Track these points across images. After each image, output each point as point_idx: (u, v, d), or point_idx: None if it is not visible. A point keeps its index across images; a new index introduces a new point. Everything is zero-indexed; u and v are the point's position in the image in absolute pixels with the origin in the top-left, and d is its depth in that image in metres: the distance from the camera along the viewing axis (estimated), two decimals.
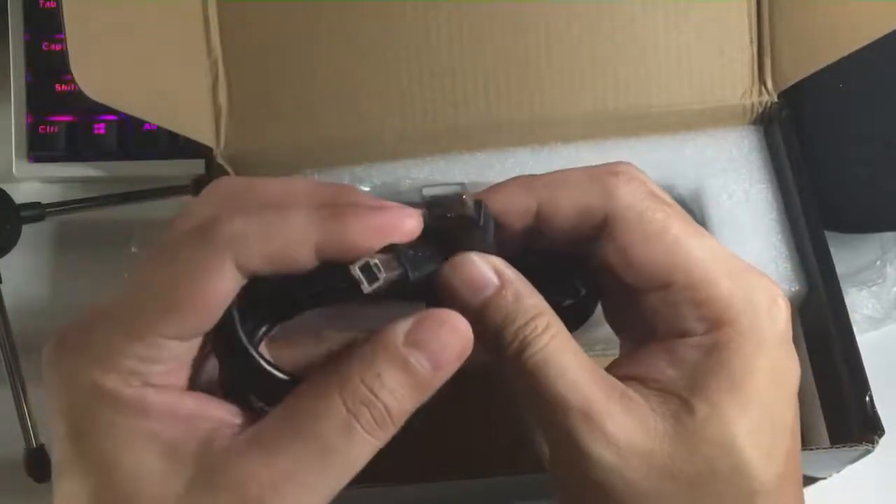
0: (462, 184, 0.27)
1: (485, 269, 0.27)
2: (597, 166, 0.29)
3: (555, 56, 0.45)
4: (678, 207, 0.29)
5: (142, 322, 0.25)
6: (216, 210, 0.26)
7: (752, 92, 0.45)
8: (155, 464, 0.24)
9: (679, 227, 0.28)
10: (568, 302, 0.30)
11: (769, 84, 0.45)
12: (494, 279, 0.27)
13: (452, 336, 0.26)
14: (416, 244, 0.27)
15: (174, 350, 0.25)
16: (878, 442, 0.37)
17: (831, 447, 0.38)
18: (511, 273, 0.28)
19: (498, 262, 0.28)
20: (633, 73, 0.45)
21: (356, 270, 0.25)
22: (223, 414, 0.26)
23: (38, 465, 0.46)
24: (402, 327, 0.25)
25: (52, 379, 0.25)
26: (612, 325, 0.32)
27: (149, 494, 0.24)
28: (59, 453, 0.25)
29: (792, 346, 0.29)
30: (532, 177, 0.30)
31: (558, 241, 0.30)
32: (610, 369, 0.28)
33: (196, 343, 0.26)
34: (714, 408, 0.26)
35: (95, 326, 0.25)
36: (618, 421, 0.26)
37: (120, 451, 0.24)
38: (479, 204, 0.28)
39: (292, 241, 0.25)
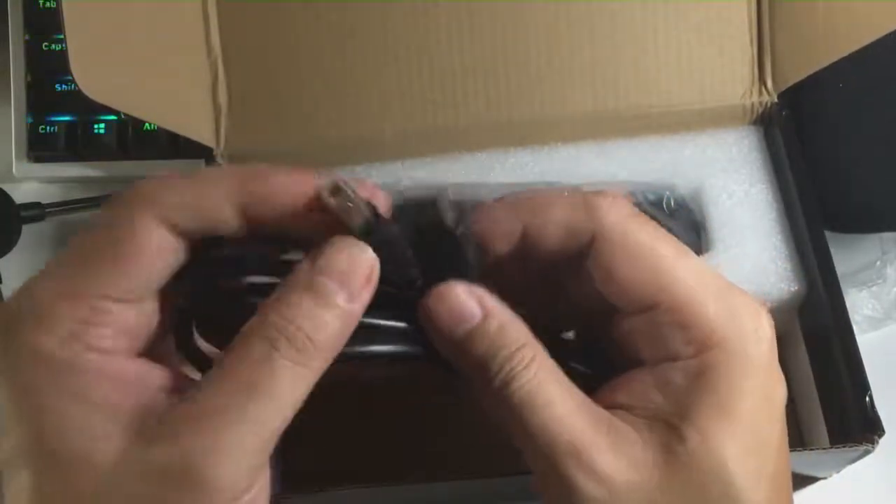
0: (445, 189, 0.27)
1: (467, 299, 0.27)
2: (581, 190, 0.30)
3: (555, 56, 0.45)
4: (663, 229, 0.29)
5: (78, 282, 0.25)
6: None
7: (752, 92, 0.45)
8: (92, 426, 0.24)
9: (665, 247, 0.28)
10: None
11: (769, 84, 0.45)
12: (477, 310, 0.27)
13: (355, 259, 0.26)
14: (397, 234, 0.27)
15: (117, 314, 0.25)
16: (878, 442, 0.37)
17: (831, 447, 0.38)
18: (494, 304, 0.27)
19: (481, 292, 0.28)
20: (633, 73, 0.45)
21: (324, 190, 0.25)
22: (165, 381, 0.26)
23: None
24: (308, 258, 0.26)
25: None
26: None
27: (85, 457, 0.24)
28: (3, 416, 0.25)
29: (778, 365, 0.28)
30: (515, 197, 0.30)
31: (544, 262, 0.29)
32: (596, 398, 0.28)
33: (144, 309, 0.26)
34: (704, 434, 0.26)
35: (35, 289, 0.25)
36: (606, 455, 0.26)
37: (58, 413, 0.24)
38: (461, 216, 0.28)
39: (207, 187, 0.26)
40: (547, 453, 0.26)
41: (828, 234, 0.42)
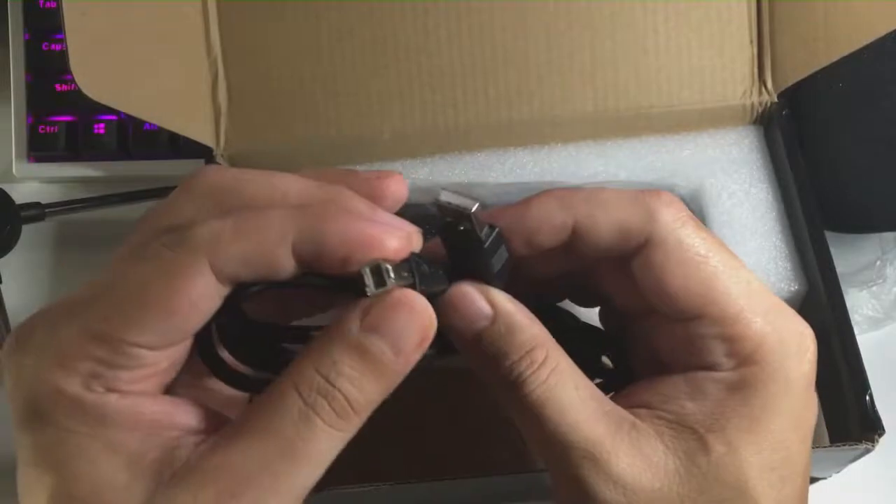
0: (478, 201, 0.26)
1: (478, 299, 0.27)
2: (636, 189, 0.28)
3: (555, 56, 0.45)
4: (715, 236, 0.28)
5: (108, 325, 0.23)
6: (194, 208, 0.25)
7: (752, 92, 0.45)
8: (114, 474, 0.23)
9: (719, 258, 0.27)
10: (596, 381, 0.29)
11: (769, 84, 0.45)
12: (488, 310, 0.27)
13: (411, 317, 0.24)
14: (431, 257, 0.26)
15: (144, 358, 0.24)
16: (878, 441, 0.37)
17: (831, 447, 0.38)
18: (506, 304, 0.27)
19: (495, 293, 0.27)
20: (633, 73, 0.45)
21: (365, 271, 0.24)
22: (190, 421, 0.25)
23: None
24: (357, 312, 0.24)
25: (12, 376, 0.24)
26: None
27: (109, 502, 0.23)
28: (21, 456, 0.24)
29: (814, 388, 0.28)
30: (568, 191, 0.28)
31: (589, 260, 0.29)
32: (621, 398, 0.28)
33: (176, 350, 0.25)
34: (730, 447, 0.26)
35: (60, 324, 0.24)
36: (624, 459, 0.26)
37: (78, 459, 0.23)
38: (491, 228, 0.27)
39: (268, 240, 0.24)
40: (562, 456, 0.26)
41: (828, 234, 0.42)
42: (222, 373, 0.26)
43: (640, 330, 0.30)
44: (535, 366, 0.26)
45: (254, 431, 0.23)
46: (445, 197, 0.25)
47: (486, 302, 0.27)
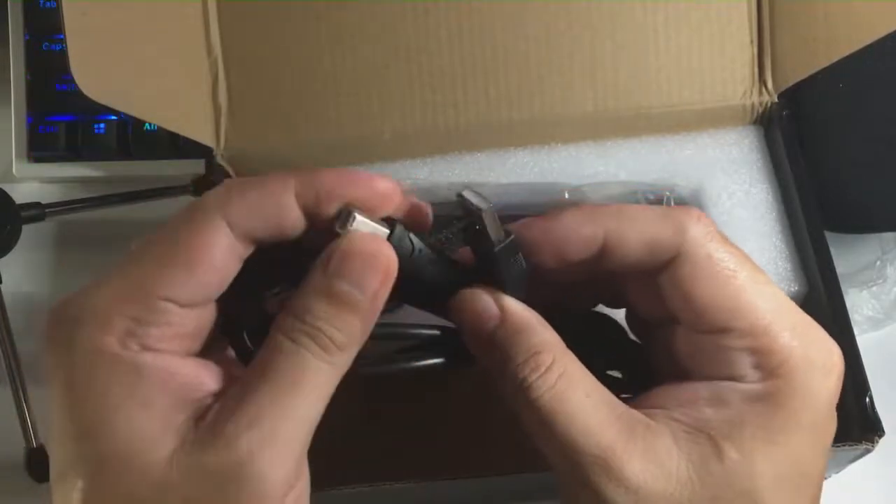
0: (492, 204, 0.27)
1: (486, 300, 0.28)
2: (665, 207, 0.29)
3: (555, 56, 0.45)
4: (743, 252, 0.29)
5: (139, 283, 0.25)
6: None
7: (752, 92, 0.45)
8: (148, 429, 0.25)
9: (747, 273, 0.28)
10: (613, 384, 0.29)
11: (769, 84, 0.45)
12: (495, 311, 0.27)
13: (368, 259, 0.26)
14: (429, 235, 0.28)
15: (174, 315, 0.26)
16: (877, 442, 0.37)
17: (831, 447, 0.38)
18: (514, 306, 0.28)
19: (504, 296, 0.28)
20: (633, 73, 0.45)
21: (341, 211, 0.26)
22: (215, 381, 0.26)
23: (38, 464, 0.46)
24: (320, 261, 0.26)
25: (51, 342, 0.26)
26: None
27: (141, 458, 0.25)
28: (56, 417, 0.26)
29: (835, 405, 0.28)
30: (596, 207, 0.29)
31: (617, 273, 0.29)
32: (638, 400, 0.28)
33: (203, 312, 0.27)
34: (745, 456, 0.26)
35: (93, 293, 0.26)
36: (637, 465, 0.26)
37: (114, 415, 0.25)
38: (507, 234, 0.28)
39: (273, 188, 0.26)
40: (573, 462, 0.26)
41: (828, 234, 0.42)
42: (247, 357, 0.28)
43: (662, 336, 0.30)
44: (542, 369, 0.26)
45: (262, 376, 0.25)
46: (466, 193, 0.27)
47: (493, 303, 0.28)
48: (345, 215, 0.26)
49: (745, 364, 0.27)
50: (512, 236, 0.28)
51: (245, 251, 0.27)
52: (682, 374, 0.29)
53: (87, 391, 0.25)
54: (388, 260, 0.26)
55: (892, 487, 0.47)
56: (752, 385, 0.27)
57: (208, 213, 0.26)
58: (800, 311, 0.28)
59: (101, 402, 0.25)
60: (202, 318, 0.27)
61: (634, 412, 0.27)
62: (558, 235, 0.28)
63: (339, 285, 0.26)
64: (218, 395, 0.26)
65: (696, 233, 0.28)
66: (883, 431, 0.37)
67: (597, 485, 0.26)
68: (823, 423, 0.28)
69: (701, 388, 0.28)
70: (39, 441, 0.47)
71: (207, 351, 0.28)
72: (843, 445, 0.37)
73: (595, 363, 0.28)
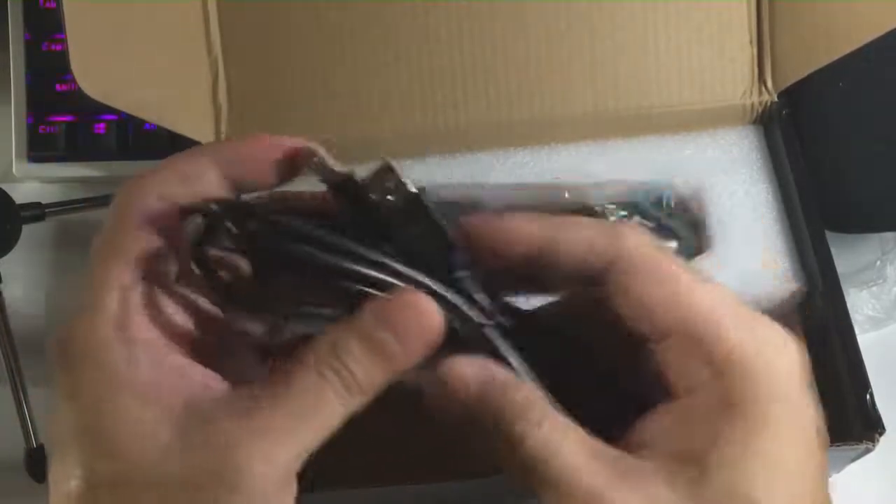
0: (423, 187, 0.29)
1: (468, 368, 0.28)
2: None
3: (555, 56, 0.45)
4: (684, 261, 0.29)
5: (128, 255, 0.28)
6: None
7: (752, 92, 0.45)
8: (143, 416, 0.25)
9: (685, 274, 0.28)
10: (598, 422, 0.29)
11: (769, 84, 0.45)
12: (480, 375, 0.28)
13: (417, 316, 0.27)
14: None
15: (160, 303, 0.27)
16: (878, 441, 0.37)
17: (831, 446, 0.38)
18: (494, 370, 0.28)
19: (483, 362, 0.28)
20: (633, 73, 0.45)
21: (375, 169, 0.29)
22: (207, 378, 0.27)
23: (37, 464, 0.46)
24: (371, 305, 0.27)
25: (52, 341, 0.27)
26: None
27: (136, 444, 0.25)
28: (58, 402, 0.26)
29: (807, 391, 0.28)
30: (543, 214, 0.30)
31: (558, 278, 0.29)
32: (625, 438, 0.28)
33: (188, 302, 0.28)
34: (731, 469, 0.26)
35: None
36: (628, 499, 0.25)
37: (113, 401, 0.26)
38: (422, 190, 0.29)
39: (192, 167, 0.31)
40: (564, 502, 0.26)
41: (828, 234, 0.42)
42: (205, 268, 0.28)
43: (641, 360, 0.30)
44: (532, 423, 0.27)
45: (274, 395, 0.26)
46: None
47: (478, 367, 0.28)
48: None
49: (701, 372, 0.27)
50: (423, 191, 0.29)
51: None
52: (659, 397, 0.28)
53: (87, 376, 0.26)
54: (435, 321, 0.27)
55: (892, 487, 0.47)
56: (710, 392, 0.27)
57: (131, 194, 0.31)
58: (746, 307, 0.28)
59: (102, 388, 0.26)
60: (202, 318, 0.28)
61: (620, 454, 0.27)
62: (502, 236, 0.29)
63: (383, 334, 0.26)
64: (211, 389, 0.27)
65: (633, 237, 0.28)
66: (884, 430, 0.37)
67: None
68: (798, 414, 0.27)
69: (668, 412, 0.27)
70: (39, 441, 0.47)
71: (212, 351, 0.28)
72: (844, 445, 0.37)
73: (576, 396, 0.28)
